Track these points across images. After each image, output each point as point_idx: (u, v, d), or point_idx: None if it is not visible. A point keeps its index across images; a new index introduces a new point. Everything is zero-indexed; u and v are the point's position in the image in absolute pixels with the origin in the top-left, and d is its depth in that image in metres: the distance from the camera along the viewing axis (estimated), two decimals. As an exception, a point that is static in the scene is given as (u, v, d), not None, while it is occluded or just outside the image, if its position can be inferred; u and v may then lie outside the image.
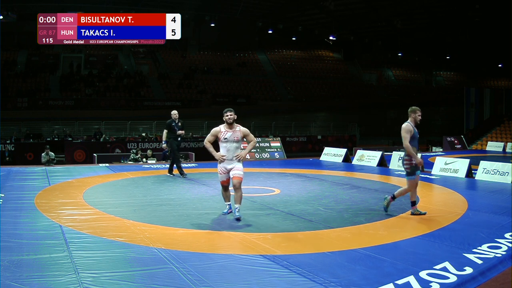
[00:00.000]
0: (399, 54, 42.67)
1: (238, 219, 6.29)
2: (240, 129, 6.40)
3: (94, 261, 4.51)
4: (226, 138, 6.31)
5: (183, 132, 10.99)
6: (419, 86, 42.76)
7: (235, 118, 6.39)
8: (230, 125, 6.35)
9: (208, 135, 6.47)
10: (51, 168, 13.15)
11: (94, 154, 18.59)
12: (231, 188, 6.59)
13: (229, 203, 6.69)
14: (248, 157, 17.22)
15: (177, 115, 10.86)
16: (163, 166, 13.95)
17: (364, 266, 4.48)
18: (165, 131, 10.92)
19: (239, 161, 6.34)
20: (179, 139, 10.96)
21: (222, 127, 6.37)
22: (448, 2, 29.84)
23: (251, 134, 6.54)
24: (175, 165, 11.21)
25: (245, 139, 6.61)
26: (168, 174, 11.38)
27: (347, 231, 5.96)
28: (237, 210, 6.38)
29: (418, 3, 30.30)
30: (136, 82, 30.95)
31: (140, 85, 30.74)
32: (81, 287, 3.84)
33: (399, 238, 5.54)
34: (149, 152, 17.08)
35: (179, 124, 10.88)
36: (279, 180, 10.96)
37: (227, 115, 6.33)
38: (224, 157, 6.32)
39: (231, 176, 6.36)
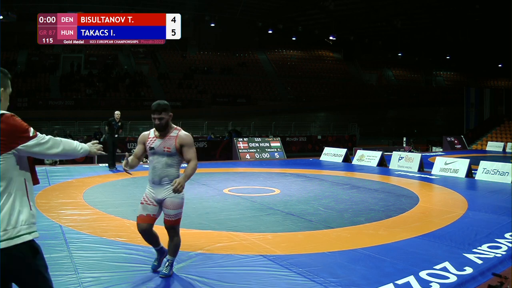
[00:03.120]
0: (399, 54, 42.65)
1: (164, 277, 4.09)
2: (178, 134, 4.02)
3: (94, 261, 4.51)
4: (152, 148, 4.01)
5: (120, 130, 12.67)
6: (419, 86, 42.76)
7: (169, 118, 4.04)
8: (161, 131, 4.04)
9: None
10: (51, 168, 13.15)
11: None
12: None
13: (159, 246, 4.28)
14: (248, 157, 17.22)
15: (119, 115, 12.42)
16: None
17: (364, 266, 4.49)
18: (106, 127, 12.71)
19: (176, 191, 3.85)
20: (116, 135, 12.47)
21: (152, 132, 4.11)
22: (448, 2, 29.83)
23: (192, 149, 4.03)
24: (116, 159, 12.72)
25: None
26: (111, 169, 12.45)
27: (347, 231, 5.96)
28: (167, 263, 4.16)
29: (418, 3, 30.30)
30: (136, 82, 30.95)
31: (140, 85, 30.74)
32: (81, 287, 3.84)
33: (399, 238, 5.55)
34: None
35: (119, 123, 12.42)
36: (279, 180, 10.96)
37: (154, 117, 3.98)
38: (127, 169, 4.02)
39: (163, 213, 4.09)
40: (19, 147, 2.27)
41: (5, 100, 2.46)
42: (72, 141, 2.55)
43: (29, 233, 2.30)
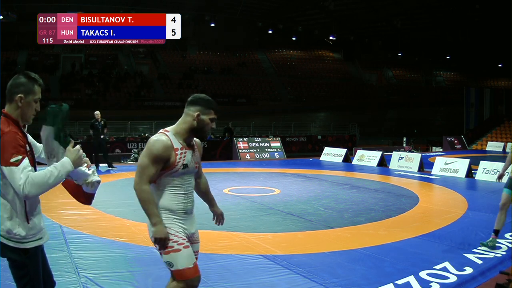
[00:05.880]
0: (399, 54, 42.63)
1: None
2: (196, 142, 2.89)
3: (94, 261, 4.51)
4: (186, 166, 2.72)
5: (106, 129, 12.76)
6: (419, 86, 42.74)
7: None
8: (192, 138, 2.81)
9: (145, 161, 2.64)
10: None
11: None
12: None
13: None
14: (248, 157, 17.22)
15: (99, 115, 12.48)
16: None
17: (364, 266, 4.49)
18: (91, 131, 12.82)
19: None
20: (102, 136, 12.48)
21: (174, 139, 2.71)
22: (448, 2, 29.83)
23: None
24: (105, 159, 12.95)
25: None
26: (110, 168, 12.73)
27: (347, 231, 5.96)
28: None
29: (418, 3, 30.29)
30: (136, 82, 30.96)
31: (140, 85, 30.75)
32: (81, 287, 3.83)
33: (399, 238, 5.55)
34: None
35: (102, 123, 12.44)
36: (279, 180, 10.96)
37: (214, 119, 2.82)
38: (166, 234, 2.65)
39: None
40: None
41: (27, 107, 2.40)
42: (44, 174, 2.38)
43: (21, 242, 2.33)
